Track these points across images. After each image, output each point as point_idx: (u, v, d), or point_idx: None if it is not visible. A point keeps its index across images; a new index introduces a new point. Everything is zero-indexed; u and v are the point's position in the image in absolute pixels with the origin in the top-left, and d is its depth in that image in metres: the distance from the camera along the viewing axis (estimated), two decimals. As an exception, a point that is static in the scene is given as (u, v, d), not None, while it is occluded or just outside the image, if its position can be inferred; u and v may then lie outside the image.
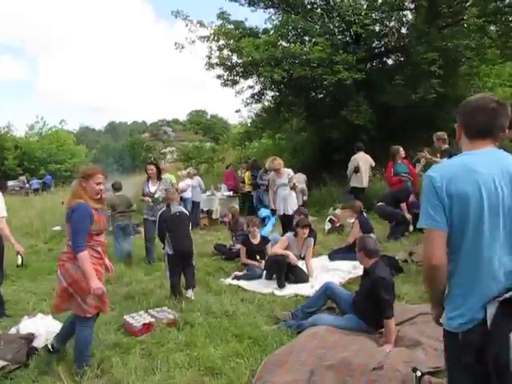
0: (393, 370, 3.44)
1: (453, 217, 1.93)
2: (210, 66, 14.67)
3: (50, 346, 4.06)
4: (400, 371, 3.43)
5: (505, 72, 16.77)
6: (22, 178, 28.17)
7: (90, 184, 3.78)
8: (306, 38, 13.64)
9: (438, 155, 8.12)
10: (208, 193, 12.86)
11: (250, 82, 15.18)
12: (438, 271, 1.97)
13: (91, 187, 3.79)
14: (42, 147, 37.64)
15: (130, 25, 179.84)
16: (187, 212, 6.25)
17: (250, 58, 12.57)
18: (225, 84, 14.78)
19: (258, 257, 6.98)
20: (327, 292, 4.88)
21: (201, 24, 13.91)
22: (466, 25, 12.88)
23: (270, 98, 15.24)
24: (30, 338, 4.34)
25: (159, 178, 7.88)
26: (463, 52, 12.41)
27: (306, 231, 6.44)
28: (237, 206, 10.61)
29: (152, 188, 7.75)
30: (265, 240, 7.21)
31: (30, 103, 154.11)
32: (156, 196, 7.65)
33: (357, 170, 11.44)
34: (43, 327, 4.56)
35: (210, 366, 3.78)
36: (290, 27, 13.81)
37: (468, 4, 12.52)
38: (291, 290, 5.96)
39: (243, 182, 13.68)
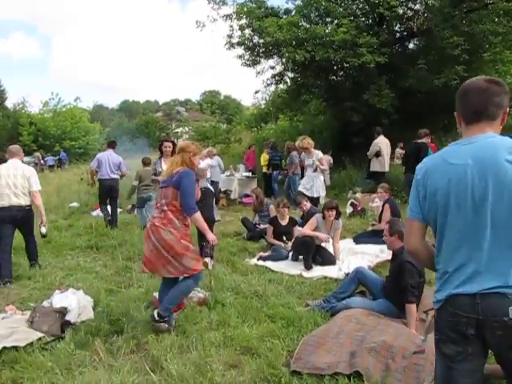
0: (433, 354, 3.40)
1: (427, 208, 1.99)
2: (231, 45, 14.52)
3: (155, 315, 4.09)
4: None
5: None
6: (37, 154, 28.20)
7: (195, 159, 4.27)
8: (329, 20, 13.39)
9: None
10: (227, 173, 12.81)
11: (271, 62, 15.04)
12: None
13: (195, 162, 4.28)
14: (56, 124, 37.65)
15: (144, 3, 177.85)
16: (212, 189, 6.28)
17: (273, 38, 12.37)
18: (246, 64, 14.62)
19: (284, 238, 6.95)
20: (358, 276, 4.84)
21: (223, 2, 13.70)
22: (491, 9, 12.60)
23: (290, 80, 15.00)
24: (63, 311, 4.36)
25: None
26: (489, 37, 12.13)
27: (332, 213, 6.38)
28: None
29: (165, 167, 7.64)
30: (293, 221, 7.17)
31: (43, 81, 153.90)
32: None
33: (378, 154, 11.39)
34: (75, 301, 4.58)
35: (245, 345, 3.76)
36: (313, 8, 13.56)
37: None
38: (318, 272, 5.94)
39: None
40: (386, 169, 11.56)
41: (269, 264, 6.35)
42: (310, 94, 15.42)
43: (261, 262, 6.44)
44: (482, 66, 13.31)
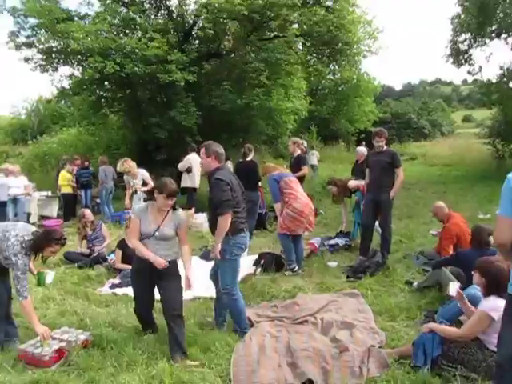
0: (356, 349, 3.78)
1: None
2: (17, 46, 12.76)
3: None
4: (358, 350, 3.78)
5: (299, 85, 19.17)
6: None
7: None
8: (140, 33, 13.04)
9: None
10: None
11: (71, 70, 13.79)
12: (504, 247, 2.46)
13: None
14: None
15: None
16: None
17: (80, 46, 11.36)
18: (41, 69, 13.00)
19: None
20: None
21: (10, -6, 11.99)
22: (278, 41, 14.32)
23: (91, 91, 13.94)
24: None
25: None
26: (283, 65, 13.72)
27: None
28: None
29: None
30: (143, 244, 6.63)
31: None
32: None
33: (189, 170, 11.53)
34: None
35: (178, 381, 3.38)
36: (117, 18, 13.01)
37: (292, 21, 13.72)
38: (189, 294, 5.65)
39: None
40: (197, 185, 11.79)
41: (128, 291, 5.70)
42: (111, 107, 14.65)
43: (118, 290, 5.81)
44: (277, 90, 14.90)
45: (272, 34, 14.24)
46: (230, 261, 4.23)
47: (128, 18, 12.78)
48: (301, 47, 15.48)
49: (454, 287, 3.71)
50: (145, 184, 8.07)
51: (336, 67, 22.31)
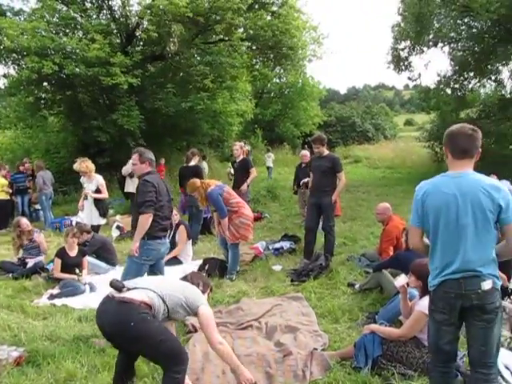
0: (299, 353, 3.83)
1: (424, 221, 2.75)
2: None
3: None
4: (301, 353, 3.84)
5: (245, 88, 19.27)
6: None
7: None
8: (81, 33, 12.60)
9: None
10: None
11: (5, 69, 13.11)
12: (417, 250, 2.91)
13: None
14: None
15: None
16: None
17: (14, 44, 10.82)
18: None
19: (77, 270, 6.18)
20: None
21: None
22: (224, 45, 14.33)
23: (29, 92, 13.30)
24: None
25: None
26: (228, 69, 13.72)
27: None
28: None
29: None
30: (83, 252, 6.44)
31: None
32: None
33: (132, 174, 11.31)
34: None
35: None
36: (57, 17, 12.51)
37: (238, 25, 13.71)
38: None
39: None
40: (141, 189, 11.59)
41: (67, 301, 5.56)
42: (50, 109, 14.06)
43: (56, 301, 5.58)
44: (222, 93, 14.86)
45: (217, 38, 14.22)
46: (138, 264, 4.34)
47: (68, 16, 12.31)
48: (246, 51, 15.55)
49: (402, 280, 3.82)
50: (98, 191, 7.84)
51: (281, 71, 22.63)
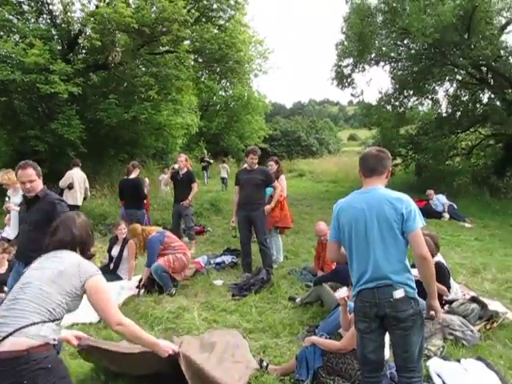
0: (246, 368, 3.75)
1: (340, 235, 3.00)
2: None
3: None
4: (249, 367, 3.77)
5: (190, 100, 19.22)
6: None
7: None
8: (17, 37, 12.05)
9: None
10: None
11: None
12: (337, 261, 3.63)
13: None
14: None
15: None
16: None
17: None
18: None
19: (5, 288, 5.81)
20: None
21: None
22: (169, 57, 14.23)
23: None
24: None
25: None
26: (173, 81, 13.61)
27: None
28: None
29: None
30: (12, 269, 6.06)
31: None
32: None
33: (71, 186, 10.91)
34: None
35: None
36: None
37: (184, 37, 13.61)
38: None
39: None
40: (79, 202, 11.16)
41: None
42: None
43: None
44: (167, 106, 14.69)
45: (163, 49, 14.09)
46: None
47: (2, 18, 11.71)
48: (192, 63, 15.53)
49: (343, 292, 3.86)
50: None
51: (227, 84, 22.73)
